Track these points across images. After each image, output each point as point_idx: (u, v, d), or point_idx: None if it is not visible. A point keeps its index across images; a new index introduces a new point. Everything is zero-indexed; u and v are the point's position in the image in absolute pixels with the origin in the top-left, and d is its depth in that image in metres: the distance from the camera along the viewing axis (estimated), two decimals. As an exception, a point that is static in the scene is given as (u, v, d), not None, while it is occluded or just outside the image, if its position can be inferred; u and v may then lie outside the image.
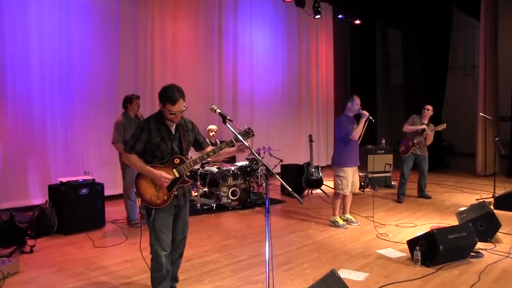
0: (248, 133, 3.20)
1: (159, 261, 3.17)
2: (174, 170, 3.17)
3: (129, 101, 5.51)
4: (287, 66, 10.74)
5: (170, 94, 3.06)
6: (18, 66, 6.26)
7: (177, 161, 3.19)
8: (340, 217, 5.73)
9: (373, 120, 5.53)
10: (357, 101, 5.54)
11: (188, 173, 3.29)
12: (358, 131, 5.40)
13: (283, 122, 10.64)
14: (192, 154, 3.51)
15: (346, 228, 5.55)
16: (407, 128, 7.10)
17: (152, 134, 3.14)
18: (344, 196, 5.68)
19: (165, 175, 3.11)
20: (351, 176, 5.58)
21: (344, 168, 5.51)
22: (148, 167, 3.13)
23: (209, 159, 3.39)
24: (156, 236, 3.17)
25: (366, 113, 5.39)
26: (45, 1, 6.48)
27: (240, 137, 3.05)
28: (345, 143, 5.49)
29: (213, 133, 7.23)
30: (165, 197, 3.15)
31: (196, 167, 6.41)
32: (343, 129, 5.47)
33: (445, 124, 7.10)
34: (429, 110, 7.08)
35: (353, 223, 5.72)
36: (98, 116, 7.10)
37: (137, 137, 3.15)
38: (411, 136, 7.07)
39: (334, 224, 5.64)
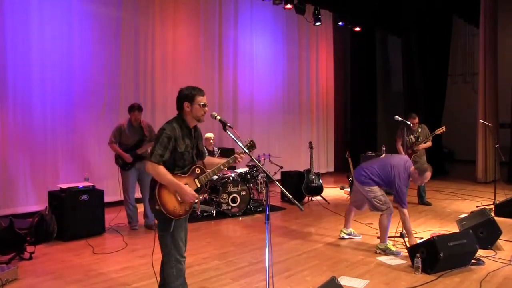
0: (251, 146, 3.22)
1: (180, 267, 3.11)
2: (196, 180, 3.11)
3: (129, 110, 5.68)
4: (287, 73, 10.76)
5: (194, 87, 3.05)
6: (19, 73, 6.29)
7: (198, 171, 3.12)
8: (393, 244, 4.95)
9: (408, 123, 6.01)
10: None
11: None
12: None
13: (283, 129, 10.65)
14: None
15: (401, 255, 4.71)
16: (401, 147, 6.97)
17: (178, 143, 3.02)
18: (351, 209, 5.30)
19: (195, 195, 3.03)
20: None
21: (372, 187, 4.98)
22: (180, 183, 2.97)
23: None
24: (175, 244, 3.08)
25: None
26: (46, 8, 6.52)
27: (245, 150, 3.03)
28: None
29: (212, 141, 7.21)
30: (187, 208, 3.10)
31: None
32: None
33: (443, 127, 7.07)
34: (415, 121, 7.02)
35: (356, 236, 5.39)
36: (98, 122, 7.11)
37: (165, 146, 2.96)
38: (409, 145, 7.06)
39: (385, 251, 4.79)
